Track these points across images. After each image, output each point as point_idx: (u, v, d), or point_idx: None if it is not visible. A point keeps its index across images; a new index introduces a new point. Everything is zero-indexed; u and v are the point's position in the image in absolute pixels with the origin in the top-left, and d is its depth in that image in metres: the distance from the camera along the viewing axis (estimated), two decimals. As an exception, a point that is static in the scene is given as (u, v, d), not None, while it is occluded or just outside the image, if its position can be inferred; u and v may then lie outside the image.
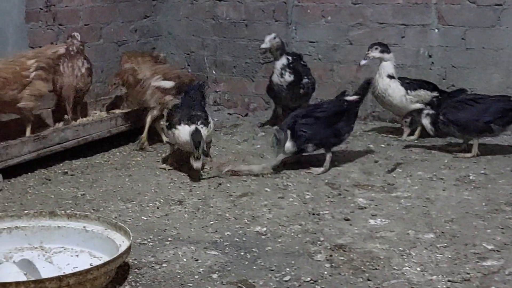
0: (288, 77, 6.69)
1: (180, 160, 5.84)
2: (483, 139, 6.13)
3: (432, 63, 6.89)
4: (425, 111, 6.12)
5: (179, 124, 5.47)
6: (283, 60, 6.68)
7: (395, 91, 6.43)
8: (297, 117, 5.65)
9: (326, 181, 5.44)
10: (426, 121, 6.09)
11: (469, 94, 6.30)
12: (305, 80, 6.83)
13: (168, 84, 6.40)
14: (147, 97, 6.29)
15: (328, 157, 5.66)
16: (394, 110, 6.61)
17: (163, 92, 6.34)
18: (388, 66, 6.47)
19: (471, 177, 5.46)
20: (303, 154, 5.75)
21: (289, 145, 5.56)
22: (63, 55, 6.22)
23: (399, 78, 6.50)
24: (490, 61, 6.64)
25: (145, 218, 4.71)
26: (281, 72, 6.67)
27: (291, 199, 5.05)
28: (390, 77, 6.45)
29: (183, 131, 5.42)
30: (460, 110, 5.97)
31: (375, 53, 6.48)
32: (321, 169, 5.63)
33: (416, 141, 6.42)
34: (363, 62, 6.56)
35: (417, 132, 6.48)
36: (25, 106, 5.72)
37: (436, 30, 6.82)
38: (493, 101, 5.97)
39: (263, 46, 6.65)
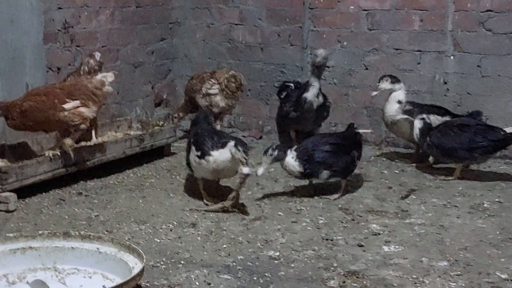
0: (321, 99, 6.69)
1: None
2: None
3: (448, 89, 6.89)
4: (421, 116, 6.14)
5: (213, 150, 5.25)
6: (321, 81, 6.66)
7: (403, 116, 6.42)
8: (317, 143, 5.62)
9: (340, 206, 5.43)
10: (417, 123, 6.12)
11: (457, 120, 6.21)
12: (327, 103, 6.85)
13: None
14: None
15: (344, 183, 5.66)
16: (405, 136, 6.59)
17: None
18: (398, 94, 6.50)
19: (485, 205, 5.44)
20: (313, 182, 5.74)
21: (294, 164, 5.51)
22: (72, 73, 6.25)
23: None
24: (506, 89, 6.63)
25: (158, 241, 4.71)
26: (318, 92, 6.63)
27: (304, 224, 5.04)
28: (399, 102, 6.46)
29: (221, 154, 5.22)
30: (444, 135, 5.98)
31: (386, 85, 6.53)
32: (337, 195, 5.62)
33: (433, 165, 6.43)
34: (374, 93, 6.64)
35: (431, 158, 6.48)
36: None
37: (452, 57, 6.83)
38: (478, 131, 5.94)
39: (320, 58, 6.44)
